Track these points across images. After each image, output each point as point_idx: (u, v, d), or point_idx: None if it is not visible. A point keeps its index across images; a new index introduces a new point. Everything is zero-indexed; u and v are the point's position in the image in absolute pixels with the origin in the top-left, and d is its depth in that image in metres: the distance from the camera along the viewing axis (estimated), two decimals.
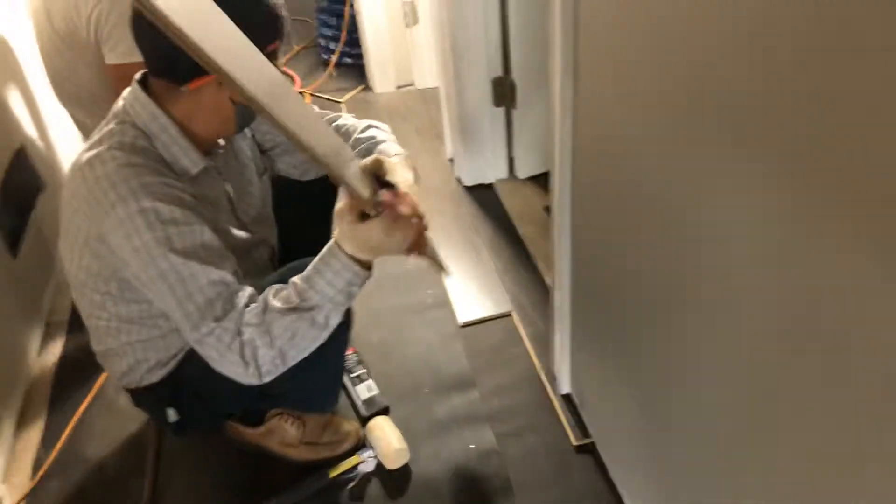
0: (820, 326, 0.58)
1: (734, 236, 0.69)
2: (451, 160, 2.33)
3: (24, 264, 1.74)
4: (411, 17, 2.67)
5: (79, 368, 1.66)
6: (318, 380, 1.27)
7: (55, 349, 1.72)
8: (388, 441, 1.34)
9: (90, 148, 1.04)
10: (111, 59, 1.53)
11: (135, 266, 1.00)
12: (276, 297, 1.00)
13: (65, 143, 2.31)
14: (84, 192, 1.01)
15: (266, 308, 0.99)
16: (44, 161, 2.02)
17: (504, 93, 2.05)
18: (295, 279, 1.01)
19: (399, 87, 2.89)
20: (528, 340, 1.63)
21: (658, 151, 0.83)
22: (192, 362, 1.14)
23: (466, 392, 1.51)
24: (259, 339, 0.98)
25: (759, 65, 0.59)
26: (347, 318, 1.12)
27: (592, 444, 1.36)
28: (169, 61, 1.00)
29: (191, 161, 1.08)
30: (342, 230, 0.98)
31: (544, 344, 1.59)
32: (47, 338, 1.76)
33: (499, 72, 2.02)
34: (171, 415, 1.23)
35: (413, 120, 2.64)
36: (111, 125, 1.06)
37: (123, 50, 1.50)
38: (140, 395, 1.24)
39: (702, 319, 0.81)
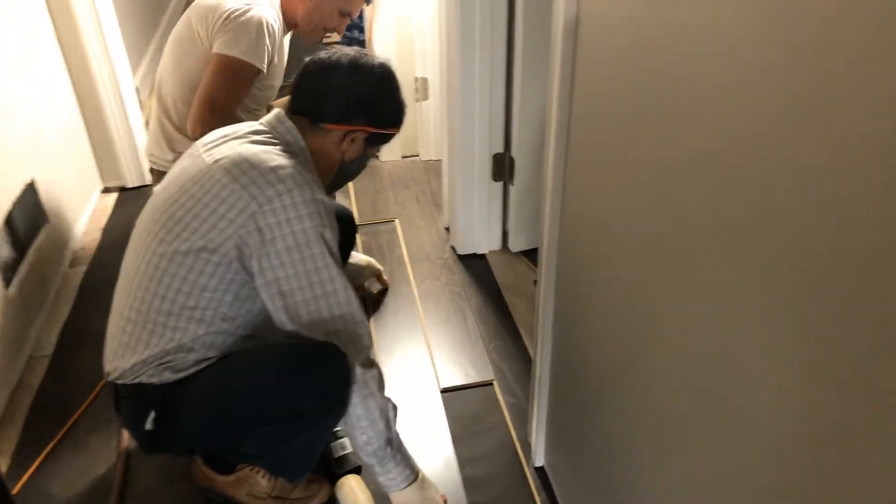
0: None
1: (705, 330, 0.72)
2: (447, 229, 2.38)
3: (16, 296, 1.76)
4: (422, 93, 2.79)
5: (54, 405, 1.65)
6: (300, 454, 1.28)
7: (34, 383, 1.72)
8: (356, 500, 1.33)
9: (243, 143, 1.20)
10: (218, 48, 1.70)
11: (280, 246, 1.12)
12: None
13: (72, 178, 2.37)
14: (255, 176, 1.13)
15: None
16: (50, 196, 2.07)
17: (503, 168, 2.12)
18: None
19: (404, 157, 2.98)
20: (507, 410, 1.63)
21: (634, 248, 0.87)
22: (197, 380, 1.17)
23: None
24: (375, 382, 1.19)
25: (728, 185, 0.64)
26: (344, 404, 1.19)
27: None
28: (318, 104, 1.28)
29: (319, 189, 1.20)
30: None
31: (523, 415, 1.59)
32: (28, 371, 1.75)
33: (499, 148, 2.10)
34: (150, 421, 1.18)
35: (414, 188, 2.71)
36: (260, 136, 1.23)
37: (230, 45, 1.69)
38: (132, 392, 1.19)
39: (673, 410, 0.82)
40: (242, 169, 1.15)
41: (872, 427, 0.50)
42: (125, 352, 1.19)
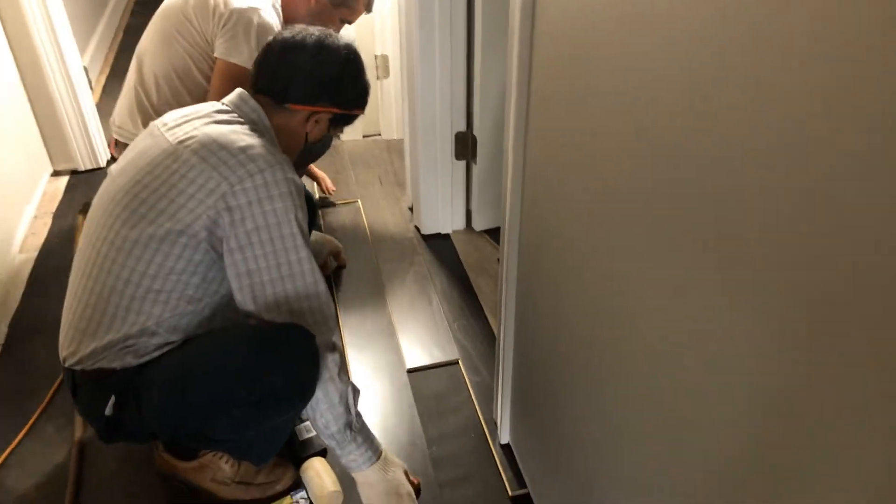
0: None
1: (666, 307, 0.73)
2: (411, 209, 2.37)
3: None
4: (383, 70, 2.75)
5: (8, 396, 1.60)
6: (266, 437, 1.27)
7: None
8: (322, 483, 1.32)
9: (207, 123, 1.18)
10: (221, 53, 1.73)
11: (250, 226, 1.11)
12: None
13: (18, 161, 2.29)
14: (224, 157, 1.12)
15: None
16: None
17: (465, 147, 2.11)
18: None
19: (365, 136, 2.95)
20: (473, 389, 1.64)
21: (594, 225, 0.88)
22: (161, 364, 1.14)
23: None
24: (335, 366, 1.18)
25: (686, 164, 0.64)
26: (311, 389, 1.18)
27: (528, 495, 1.36)
28: (283, 84, 1.27)
29: (290, 169, 1.19)
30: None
31: (488, 394, 1.60)
32: None
33: (462, 126, 2.08)
34: (110, 407, 1.15)
35: (376, 168, 2.69)
36: (224, 116, 1.21)
37: (232, 51, 1.72)
38: (92, 378, 1.16)
39: (632, 383, 0.83)
40: (211, 149, 1.13)
41: (825, 398, 0.51)
42: (84, 337, 1.15)
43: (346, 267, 2.07)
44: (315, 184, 2.41)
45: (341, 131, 1.43)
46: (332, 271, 2.05)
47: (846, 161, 0.45)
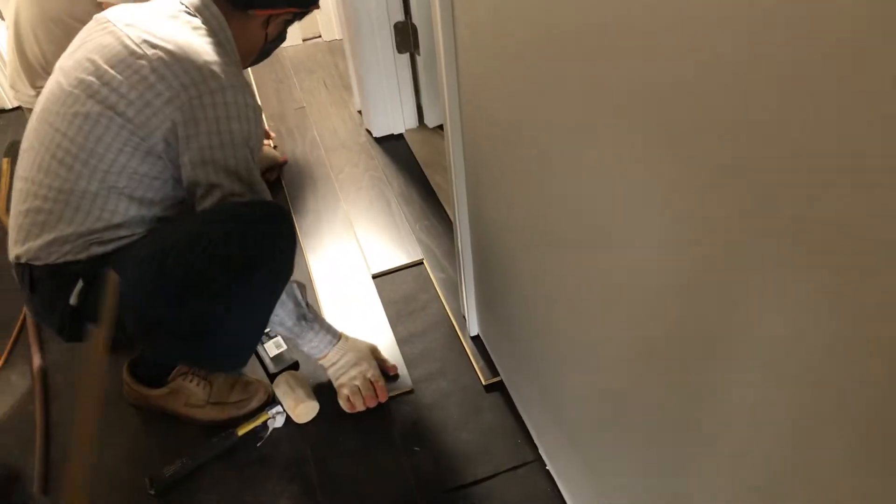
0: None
1: (605, 188, 0.69)
2: (360, 112, 2.27)
3: None
4: None
5: None
6: (238, 336, 1.21)
7: None
8: (296, 396, 1.32)
9: (174, 26, 1.15)
10: None
11: (203, 141, 1.10)
12: None
13: None
14: (188, 67, 1.10)
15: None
16: None
17: (406, 38, 2.00)
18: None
19: (305, 41, 2.79)
20: (439, 286, 1.63)
21: (528, 103, 0.82)
22: (137, 244, 1.13)
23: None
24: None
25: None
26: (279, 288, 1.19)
27: (501, 382, 1.38)
28: None
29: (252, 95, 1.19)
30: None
31: (455, 289, 1.59)
32: None
33: (400, 16, 1.96)
34: (75, 294, 1.12)
35: (320, 73, 2.56)
36: (191, 19, 1.19)
37: None
38: (54, 271, 1.12)
39: (585, 259, 0.81)
40: (177, 57, 1.11)
41: (743, 280, 0.49)
42: (41, 231, 1.12)
43: (300, 179, 2.01)
44: None
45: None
46: (283, 175, 2.02)
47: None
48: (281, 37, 1.42)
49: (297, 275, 1.65)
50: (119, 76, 1.10)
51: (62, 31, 1.67)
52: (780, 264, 0.47)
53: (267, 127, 2.17)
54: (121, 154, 1.10)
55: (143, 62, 1.10)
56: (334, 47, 2.69)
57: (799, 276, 0.45)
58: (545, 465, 1.22)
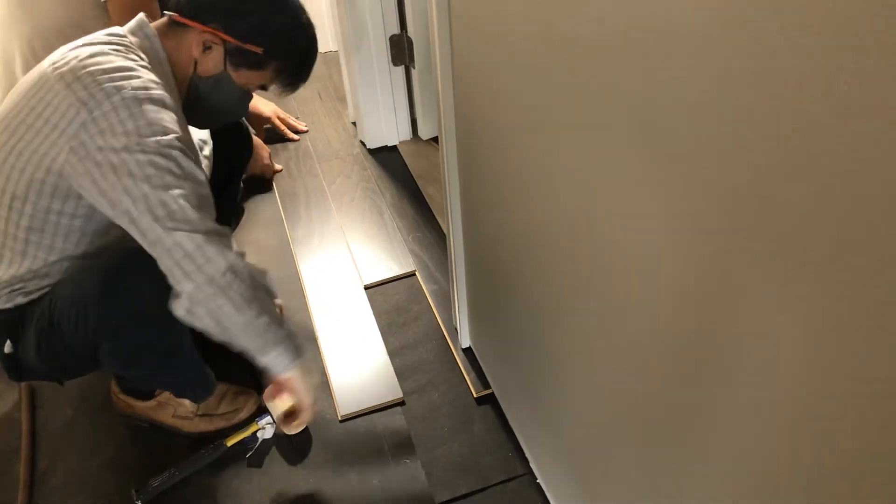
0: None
1: (601, 197, 0.70)
2: (354, 123, 2.28)
3: None
4: None
5: None
6: (184, 371, 1.25)
7: None
8: (284, 406, 1.31)
9: (88, 49, 1.03)
10: None
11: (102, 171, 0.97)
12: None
13: None
14: (88, 83, 0.98)
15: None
16: None
17: (401, 51, 2.01)
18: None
19: None
20: (431, 298, 1.63)
21: (526, 116, 0.83)
22: (38, 304, 1.09)
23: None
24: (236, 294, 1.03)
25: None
26: None
27: (492, 394, 1.38)
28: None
29: (174, 100, 1.07)
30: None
31: (447, 300, 1.59)
32: None
33: (395, 29, 1.97)
34: (7, 346, 1.11)
35: (315, 84, 2.56)
36: (114, 40, 1.07)
37: None
38: None
39: (579, 272, 0.81)
40: (76, 74, 0.98)
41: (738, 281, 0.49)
42: None
43: (293, 189, 2.01)
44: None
45: (260, 87, 1.24)
46: (275, 182, 2.02)
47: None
48: (232, 91, 1.18)
49: (288, 284, 1.66)
50: (24, 110, 1.02)
51: (62, 42, 1.62)
52: (780, 279, 0.47)
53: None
54: (35, 205, 1.03)
55: (48, 83, 1.01)
56: (329, 59, 2.70)
57: (801, 291, 0.45)
58: (536, 479, 1.22)
